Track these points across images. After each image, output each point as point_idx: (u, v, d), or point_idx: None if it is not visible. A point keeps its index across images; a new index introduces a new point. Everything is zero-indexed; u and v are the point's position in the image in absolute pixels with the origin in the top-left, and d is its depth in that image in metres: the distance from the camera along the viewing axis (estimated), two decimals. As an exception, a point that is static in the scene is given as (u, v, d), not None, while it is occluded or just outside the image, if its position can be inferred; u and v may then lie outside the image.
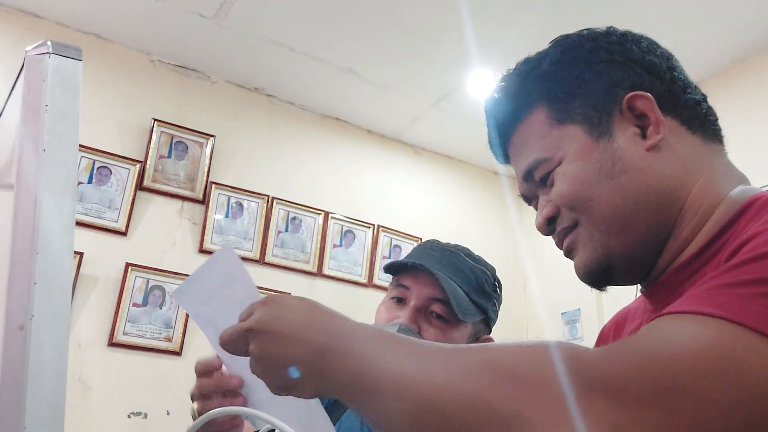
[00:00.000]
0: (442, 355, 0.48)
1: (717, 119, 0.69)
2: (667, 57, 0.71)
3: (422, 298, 1.06)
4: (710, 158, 0.66)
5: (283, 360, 0.51)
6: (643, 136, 0.66)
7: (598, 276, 0.67)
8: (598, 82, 0.68)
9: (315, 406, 0.65)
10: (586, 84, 0.68)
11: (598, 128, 0.66)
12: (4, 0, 2.34)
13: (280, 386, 0.53)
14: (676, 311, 0.46)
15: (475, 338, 1.10)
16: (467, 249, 1.15)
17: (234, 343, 0.55)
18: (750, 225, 0.54)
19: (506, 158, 0.79)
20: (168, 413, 2.25)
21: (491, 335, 1.15)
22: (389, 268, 1.13)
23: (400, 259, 1.12)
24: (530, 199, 0.76)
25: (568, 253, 0.70)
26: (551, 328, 3.00)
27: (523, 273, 3.30)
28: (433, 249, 1.13)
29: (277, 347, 0.52)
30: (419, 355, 0.48)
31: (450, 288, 1.03)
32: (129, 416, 2.19)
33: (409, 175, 3.16)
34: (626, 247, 0.65)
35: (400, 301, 1.08)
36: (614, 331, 0.80)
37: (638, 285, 0.71)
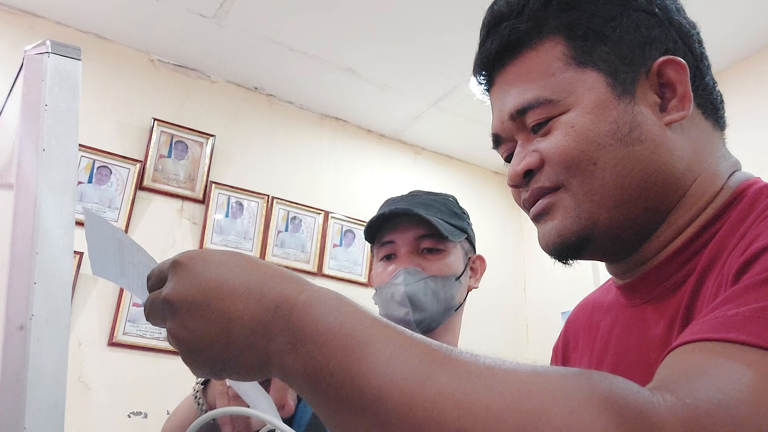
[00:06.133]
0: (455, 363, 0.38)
1: (724, 106, 0.65)
2: (696, 27, 0.64)
3: (410, 241, 1.08)
4: (717, 146, 0.62)
5: (215, 327, 0.44)
6: (662, 108, 0.59)
7: (570, 249, 0.60)
8: (635, 32, 0.59)
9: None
10: (621, 30, 0.59)
11: (623, 84, 0.58)
12: (4, 0, 2.34)
13: (214, 366, 0.45)
14: (711, 338, 0.39)
15: (468, 259, 1.14)
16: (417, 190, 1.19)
17: (155, 317, 0.49)
18: (748, 218, 0.52)
19: (489, 83, 0.67)
20: (168, 413, 2.24)
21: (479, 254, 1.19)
22: (370, 233, 1.11)
23: (373, 218, 1.11)
24: (502, 141, 0.65)
25: (538, 216, 0.62)
26: (551, 328, 3.00)
27: (523, 273, 3.30)
28: (394, 201, 1.15)
29: (205, 314, 0.44)
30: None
31: (432, 217, 1.06)
32: (129, 416, 2.19)
33: (408, 175, 3.15)
34: (615, 225, 0.58)
35: (390, 257, 1.10)
36: (587, 325, 0.74)
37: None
